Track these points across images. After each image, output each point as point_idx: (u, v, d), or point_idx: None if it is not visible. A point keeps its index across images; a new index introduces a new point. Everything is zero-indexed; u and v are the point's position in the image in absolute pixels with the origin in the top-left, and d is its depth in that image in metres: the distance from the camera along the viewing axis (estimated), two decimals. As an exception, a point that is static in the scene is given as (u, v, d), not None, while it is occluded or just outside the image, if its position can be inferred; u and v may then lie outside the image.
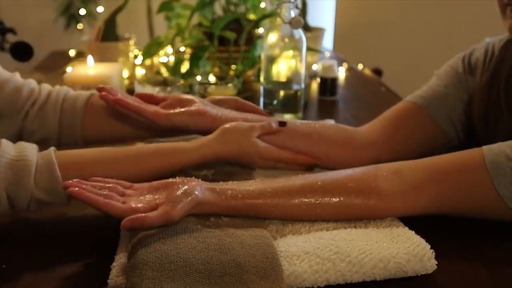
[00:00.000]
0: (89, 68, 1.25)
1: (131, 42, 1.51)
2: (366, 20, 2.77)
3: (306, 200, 0.68)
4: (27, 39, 1.23)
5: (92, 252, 0.65)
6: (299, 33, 1.09)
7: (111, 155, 0.73)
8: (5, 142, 0.69)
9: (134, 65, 1.54)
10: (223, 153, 0.77)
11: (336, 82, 1.37)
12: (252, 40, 1.39)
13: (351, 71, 1.70)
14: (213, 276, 0.54)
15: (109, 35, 1.48)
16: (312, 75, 1.54)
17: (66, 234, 0.71)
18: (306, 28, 1.57)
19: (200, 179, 0.68)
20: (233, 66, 1.39)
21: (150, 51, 1.44)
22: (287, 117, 1.11)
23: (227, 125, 0.79)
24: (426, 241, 0.61)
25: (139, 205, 0.62)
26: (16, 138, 0.84)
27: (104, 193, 0.63)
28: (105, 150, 0.74)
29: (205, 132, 0.81)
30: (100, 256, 0.64)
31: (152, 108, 0.83)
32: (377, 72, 2.14)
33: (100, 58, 1.37)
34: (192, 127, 0.83)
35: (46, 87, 0.89)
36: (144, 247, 0.57)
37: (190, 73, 1.32)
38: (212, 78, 1.25)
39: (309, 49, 1.27)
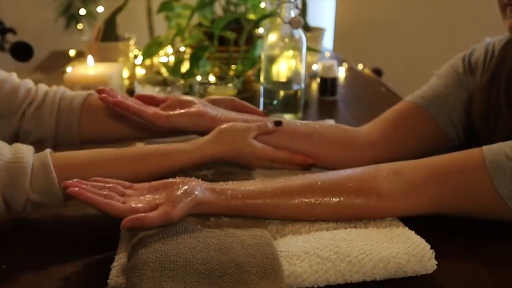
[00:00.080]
0: (89, 68, 1.25)
1: (131, 42, 1.51)
2: (366, 20, 2.77)
3: (306, 200, 0.68)
4: (27, 39, 1.23)
5: (92, 252, 0.65)
6: (299, 33, 1.09)
7: (108, 157, 0.73)
8: (0, 143, 0.69)
9: (134, 65, 1.54)
10: (219, 154, 0.77)
11: (336, 82, 1.37)
12: (252, 40, 1.39)
13: (351, 71, 1.70)
14: (213, 276, 0.54)
15: (109, 35, 1.48)
16: (312, 75, 1.54)
17: (66, 234, 0.71)
18: (306, 28, 1.57)
19: (200, 179, 0.68)
20: (233, 66, 1.39)
21: (150, 51, 1.44)
22: (287, 117, 1.11)
23: (223, 126, 0.79)
24: (426, 241, 0.61)
25: (139, 205, 0.62)
26: (12, 138, 0.84)
27: (104, 193, 0.63)
28: (102, 151, 0.74)
29: (205, 133, 0.81)
30: (100, 256, 0.64)
31: (152, 109, 0.83)
32: (377, 72, 2.14)
33: (100, 58, 1.37)
34: (192, 128, 0.83)
35: (43, 87, 0.89)
36: (144, 247, 0.57)
37: (190, 73, 1.31)
38: (212, 78, 1.25)
39: (309, 49, 1.27)
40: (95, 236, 0.69)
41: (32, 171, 0.67)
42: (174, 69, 1.37)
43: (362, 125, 0.92)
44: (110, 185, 0.66)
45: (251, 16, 1.46)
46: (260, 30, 1.43)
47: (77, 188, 0.61)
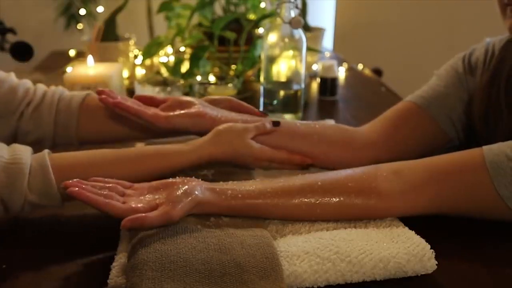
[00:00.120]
0: (89, 68, 1.25)
1: (131, 42, 1.51)
2: (366, 20, 2.77)
3: (306, 200, 0.68)
4: (27, 39, 1.23)
5: (92, 252, 0.65)
6: (299, 33, 1.09)
7: (106, 157, 0.73)
8: None
9: (134, 65, 1.54)
10: (218, 154, 0.77)
11: (336, 82, 1.37)
12: (252, 40, 1.39)
13: (351, 71, 1.70)
14: (213, 276, 0.54)
15: (109, 35, 1.48)
16: (312, 75, 1.54)
17: (66, 234, 0.71)
18: (306, 28, 1.57)
19: (200, 179, 0.68)
20: (233, 66, 1.39)
21: (150, 51, 1.44)
22: (287, 117, 1.11)
23: (221, 127, 0.79)
24: (426, 241, 0.61)
25: (139, 205, 0.62)
26: (11, 138, 0.84)
27: (104, 193, 0.63)
28: (100, 152, 0.74)
29: (204, 134, 0.80)
30: (100, 256, 0.64)
31: (151, 110, 0.83)
32: (377, 72, 2.14)
33: (100, 58, 1.37)
34: (192, 129, 0.83)
35: (41, 87, 0.89)
36: (144, 247, 0.57)
37: (190, 73, 1.31)
38: (212, 78, 1.25)
39: (309, 49, 1.27)
40: (95, 236, 0.69)
41: (30, 172, 0.67)
42: (174, 69, 1.37)
43: (362, 125, 0.92)
44: (110, 185, 0.66)
45: (251, 16, 1.46)
46: (260, 30, 1.43)
47: (77, 188, 0.61)
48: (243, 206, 0.67)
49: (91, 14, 2.52)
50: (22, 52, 1.22)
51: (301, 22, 1.06)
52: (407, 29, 2.73)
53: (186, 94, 1.23)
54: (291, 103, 1.11)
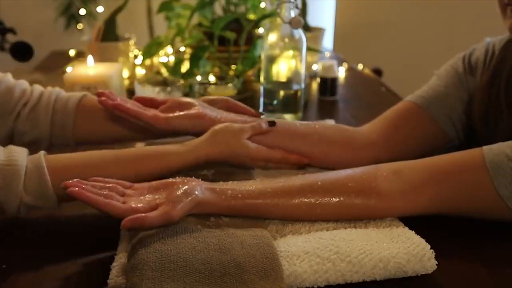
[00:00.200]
0: (89, 68, 1.25)
1: (131, 42, 1.51)
2: (366, 20, 2.77)
3: (306, 200, 0.68)
4: (27, 39, 1.23)
5: (92, 252, 0.65)
6: (299, 33, 1.09)
7: (102, 158, 0.73)
8: None
9: (134, 65, 1.54)
10: (214, 155, 0.77)
11: (336, 82, 1.37)
12: (252, 40, 1.39)
13: (351, 71, 1.70)
14: (213, 276, 0.54)
15: (109, 35, 1.48)
16: (312, 75, 1.54)
17: (66, 234, 0.71)
18: (306, 28, 1.57)
19: (200, 179, 0.68)
20: (233, 66, 1.39)
21: (150, 51, 1.44)
22: (287, 117, 1.11)
23: (217, 127, 0.79)
24: (426, 241, 0.61)
25: (139, 205, 0.62)
26: (7, 139, 0.84)
27: (104, 193, 0.63)
28: (96, 153, 0.74)
29: None
30: (100, 256, 0.64)
31: (151, 112, 0.82)
32: (377, 72, 2.14)
33: (100, 58, 1.37)
34: (192, 130, 0.83)
35: (38, 88, 0.89)
36: (144, 247, 0.57)
37: (190, 73, 1.31)
38: (212, 78, 1.25)
39: (309, 49, 1.27)
40: (95, 236, 0.69)
41: (26, 174, 0.67)
42: (174, 69, 1.37)
43: (362, 125, 0.92)
44: (110, 185, 0.66)
45: (251, 16, 1.46)
46: (260, 30, 1.43)
47: (77, 188, 0.61)
48: (243, 206, 0.67)
49: (91, 14, 2.52)
50: (22, 52, 1.22)
51: (301, 22, 1.06)
52: (407, 29, 2.73)
53: (186, 94, 1.23)
54: (291, 103, 1.11)
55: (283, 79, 1.11)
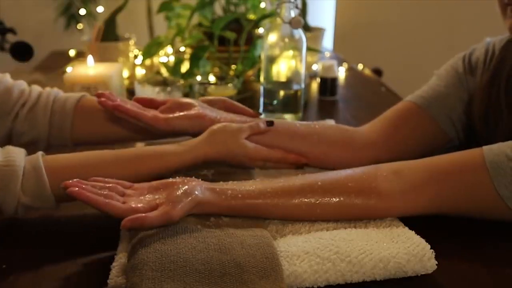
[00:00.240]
0: (89, 68, 1.25)
1: (131, 42, 1.51)
2: (366, 20, 2.77)
3: (306, 200, 0.68)
4: (27, 39, 1.23)
5: (92, 252, 0.65)
6: (299, 33, 1.09)
7: (99, 159, 0.73)
8: None
9: (134, 65, 1.54)
10: (212, 155, 0.77)
11: (336, 82, 1.37)
12: (252, 40, 1.39)
13: (351, 71, 1.70)
14: (213, 276, 0.54)
15: (109, 35, 1.48)
16: (312, 75, 1.54)
17: (66, 234, 0.71)
18: (306, 28, 1.57)
19: (200, 179, 0.68)
20: (233, 66, 1.39)
21: (150, 51, 1.44)
22: (287, 117, 1.11)
23: (215, 127, 0.79)
24: (426, 241, 0.61)
25: (139, 205, 0.62)
26: (5, 139, 0.84)
27: (104, 193, 0.63)
28: (94, 153, 0.74)
29: None
30: (100, 256, 0.64)
31: (151, 113, 0.82)
32: (377, 72, 2.14)
33: (100, 58, 1.37)
34: (192, 131, 0.83)
35: (36, 88, 0.89)
36: (144, 247, 0.57)
37: (190, 73, 1.31)
38: (212, 78, 1.25)
39: (309, 49, 1.27)
40: (95, 236, 0.69)
41: (24, 174, 0.67)
42: (174, 69, 1.37)
43: (362, 125, 0.92)
44: (110, 185, 0.66)
45: (251, 16, 1.46)
46: (260, 30, 1.43)
47: (77, 188, 0.61)
48: (243, 206, 0.67)
49: (91, 14, 2.52)
50: (22, 52, 1.22)
51: (301, 22, 1.06)
52: (407, 29, 2.73)
53: (186, 94, 1.23)
54: (291, 103, 1.11)
55: (283, 79, 1.11)
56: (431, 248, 0.60)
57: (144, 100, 0.86)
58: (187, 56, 1.45)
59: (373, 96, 1.46)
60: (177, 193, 0.63)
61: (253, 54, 1.35)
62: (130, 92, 1.31)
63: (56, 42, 2.27)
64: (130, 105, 0.82)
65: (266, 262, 0.57)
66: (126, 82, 1.44)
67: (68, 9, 2.55)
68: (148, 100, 0.86)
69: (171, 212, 0.60)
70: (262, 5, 1.49)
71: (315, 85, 1.46)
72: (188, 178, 0.68)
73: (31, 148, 0.73)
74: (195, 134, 0.83)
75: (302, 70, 1.10)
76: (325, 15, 2.80)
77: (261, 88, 1.13)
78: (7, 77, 0.87)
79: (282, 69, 1.10)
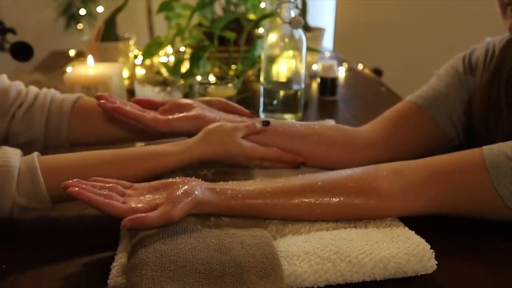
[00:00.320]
0: (89, 68, 1.25)
1: (131, 42, 1.51)
2: (366, 20, 2.77)
3: (306, 200, 0.68)
4: (27, 39, 1.23)
5: (92, 252, 0.65)
6: (299, 33, 1.09)
7: (95, 159, 0.73)
8: None
9: (134, 65, 1.54)
10: (208, 154, 0.77)
11: (336, 82, 1.37)
12: (252, 40, 1.39)
13: (351, 71, 1.70)
14: (213, 276, 0.54)
15: (109, 35, 1.48)
16: (312, 75, 1.54)
17: (66, 234, 0.71)
18: (306, 28, 1.57)
19: (200, 179, 0.68)
20: (233, 66, 1.39)
21: (150, 51, 1.44)
22: (287, 117, 1.11)
23: (210, 126, 0.79)
24: (426, 241, 0.61)
25: (139, 205, 0.62)
26: (2, 140, 0.84)
27: (104, 193, 0.63)
28: (90, 153, 0.74)
29: None
30: (100, 256, 0.64)
31: (150, 114, 0.82)
32: (377, 72, 2.14)
33: (100, 58, 1.37)
34: (191, 132, 0.83)
35: (33, 89, 0.89)
36: (144, 247, 0.57)
37: (190, 73, 1.31)
38: (212, 78, 1.25)
39: (309, 49, 1.27)
40: (95, 236, 0.69)
41: (19, 175, 0.67)
42: (174, 69, 1.37)
43: (362, 125, 0.92)
44: (110, 185, 0.66)
45: (251, 16, 1.46)
46: (260, 30, 1.43)
47: (77, 188, 0.61)
48: (243, 206, 0.67)
49: (91, 14, 2.52)
50: (22, 52, 1.22)
51: (301, 22, 1.06)
52: (407, 29, 2.73)
53: (186, 94, 1.23)
54: (291, 103, 1.11)
55: (283, 79, 1.11)
56: (431, 248, 0.60)
57: (143, 101, 0.86)
58: (187, 56, 1.45)
59: (373, 96, 1.46)
60: (177, 193, 0.63)
61: (253, 54, 1.35)
62: (130, 92, 1.31)
63: (56, 42, 2.27)
64: (130, 107, 0.82)
65: (266, 262, 0.57)
66: (126, 82, 1.44)
67: (68, 9, 2.55)
68: (147, 102, 0.86)
69: (171, 212, 0.61)
70: (262, 5, 1.49)
71: (315, 85, 1.46)
72: (188, 178, 0.68)
73: (27, 149, 0.72)
74: (194, 135, 0.83)
75: (302, 70, 1.10)
76: (325, 15, 2.80)
77: (261, 88, 1.13)
78: (4, 78, 0.87)
79: (282, 69, 1.10)
